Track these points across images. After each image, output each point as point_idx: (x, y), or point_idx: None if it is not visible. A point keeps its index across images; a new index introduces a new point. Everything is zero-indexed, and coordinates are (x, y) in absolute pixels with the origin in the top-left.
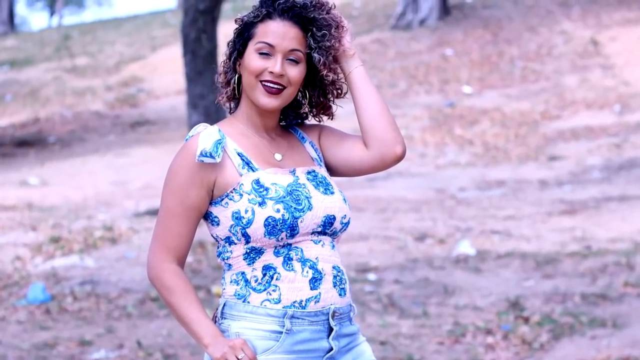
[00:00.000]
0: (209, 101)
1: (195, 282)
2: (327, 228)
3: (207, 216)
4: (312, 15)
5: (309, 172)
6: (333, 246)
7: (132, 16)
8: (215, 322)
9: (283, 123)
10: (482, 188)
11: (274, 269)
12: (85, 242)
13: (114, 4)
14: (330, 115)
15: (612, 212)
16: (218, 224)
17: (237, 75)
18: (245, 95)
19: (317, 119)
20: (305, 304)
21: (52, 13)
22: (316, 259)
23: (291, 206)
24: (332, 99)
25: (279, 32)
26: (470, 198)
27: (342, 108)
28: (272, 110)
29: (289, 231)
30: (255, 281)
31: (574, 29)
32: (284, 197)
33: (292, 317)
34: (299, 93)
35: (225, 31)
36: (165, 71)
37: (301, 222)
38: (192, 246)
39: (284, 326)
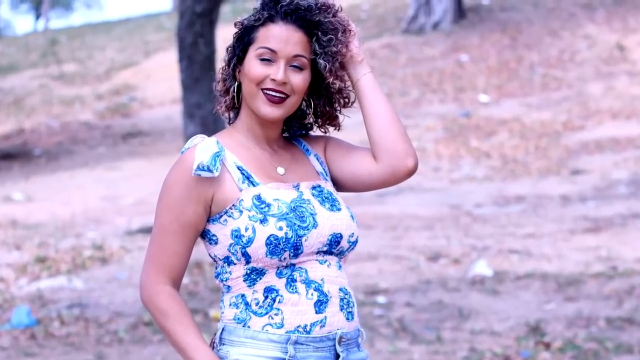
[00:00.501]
0: (207, 111)
1: (192, 305)
2: (334, 247)
3: (205, 234)
4: (317, 19)
5: (314, 187)
6: (340, 266)
7: (124, 19)
8: (213, 348)
9: (286, 134)
10: (500, 204)
11: (277, 291)
12: (74, 262)
13: (104, 6)
14: (337, 126)
15: None
16: (216, 243)
17: (236, 83)
18: (245, 105)
19: (322, 129)
20: (310, 329)
21: (37, 16)
22: (322, 280)
23: (295, 224)
24: (338, 108)
25: (281, 37)
26: (487, 215)
27: (349, 118)
28: (274, 120)
29: (292, 250)
30: (256, 304)
31: (598, 33)
32: (287, 213)
33: (296, 342)
34: (303, 102)
35: (224, 35)
36: (160, 78)
37: (305, 240)
38: (188, 266)
39: (287, 352)
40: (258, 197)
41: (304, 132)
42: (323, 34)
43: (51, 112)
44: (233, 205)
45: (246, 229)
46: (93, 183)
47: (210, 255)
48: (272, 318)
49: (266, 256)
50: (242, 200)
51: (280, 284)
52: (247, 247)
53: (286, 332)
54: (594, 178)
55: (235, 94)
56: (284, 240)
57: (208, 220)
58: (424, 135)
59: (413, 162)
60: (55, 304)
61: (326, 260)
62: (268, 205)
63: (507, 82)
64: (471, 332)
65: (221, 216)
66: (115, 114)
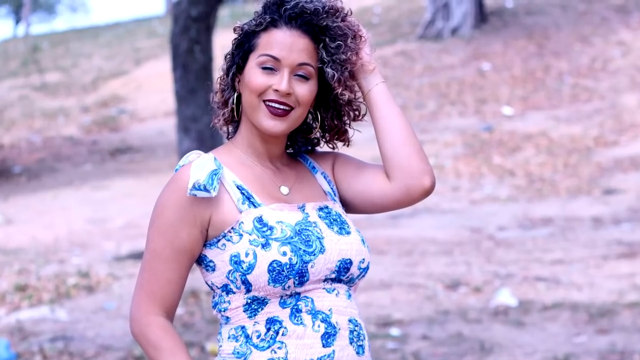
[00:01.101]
0: (203, 124)
1: (187, 338)
2: (343, 274)
3: (201, 260)
4: (324, 23)
5: (320, 208)
6: (349, 295)
7: (113, 24)
8: None
9: (290, 150)
10: (525, 227)
11: (280, 322)
12: (57, 291)
13: (91, 9)
14: (346, 141)
15: None
16: (214, 270)
17: (236, 94)
18: (245, 118)
19: (330, 145)
20: None
21: (17, 20)
22: (329, 310)
23: (300, 248)
24: (348, 121)
25: (285, 43)
26: (511, 239)
27: (360, 133)
28: (277, 135)
29: (297, 278)
30: (258, 337)
31: (633, 39)
32: (292, 237)
33: None
34: (310, 115)
35: (222, 42)
36: (152, 89)
37: (312, 267)
38: (183, 296)
39: None
40: (260, 220)
41: (310, 148)
42: (331, 40)
43: (32, 126)
44: (232, 228)
45: (246, 255)
46: (78, 204)
47: (207, 283)
48: (275, 352)
49: (268, 284)
50: (242, 222)
51: (284, 314)
52: (248, 274)
53: None
54: (629, 198)
55: (234, 106)
56: (287, 266)
57: (205, 245)
58: (442, 152)
59: (430, 180)
60: (36, 336)
61: (334, 289)
62: (270, 229)
63: (533, 93)
64: None
65: (219, 240)
66: (103, 128)
